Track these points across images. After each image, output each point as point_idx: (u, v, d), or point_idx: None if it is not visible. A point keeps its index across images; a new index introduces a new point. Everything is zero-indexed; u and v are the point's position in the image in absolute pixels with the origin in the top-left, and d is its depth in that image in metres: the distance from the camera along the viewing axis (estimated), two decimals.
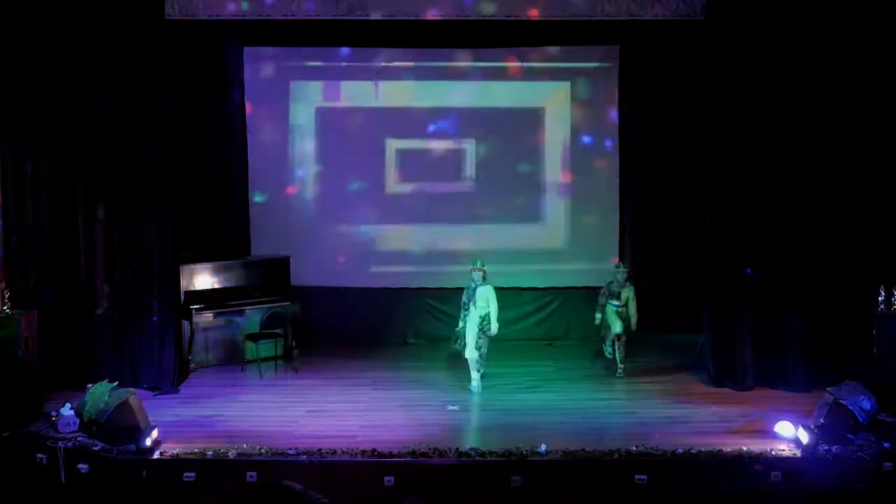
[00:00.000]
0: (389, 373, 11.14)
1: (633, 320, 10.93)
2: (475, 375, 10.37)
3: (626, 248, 12.69)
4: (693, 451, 8.28)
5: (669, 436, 8.70)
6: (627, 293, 10.98)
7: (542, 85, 12.62)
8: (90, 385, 9.09)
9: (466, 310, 10.45)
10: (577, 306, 12.63)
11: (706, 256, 10.46)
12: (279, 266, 12.07)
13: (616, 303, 10.99)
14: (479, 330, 10.27)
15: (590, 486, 8.02)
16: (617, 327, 10.89)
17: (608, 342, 11.20)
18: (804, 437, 8.32)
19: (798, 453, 8.27)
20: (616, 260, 11.68)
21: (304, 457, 8.21)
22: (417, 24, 11.08)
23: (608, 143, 12.65)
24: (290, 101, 12.60)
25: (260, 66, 12.52)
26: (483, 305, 10.29)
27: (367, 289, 12.16)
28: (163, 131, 10.25)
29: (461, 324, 10.54)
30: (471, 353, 10.33)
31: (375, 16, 10.78)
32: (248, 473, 8.09)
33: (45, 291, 10.14)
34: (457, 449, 8.30)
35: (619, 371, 10.93)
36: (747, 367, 10.28)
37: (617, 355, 10.97)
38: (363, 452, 8.26)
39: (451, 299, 11.54)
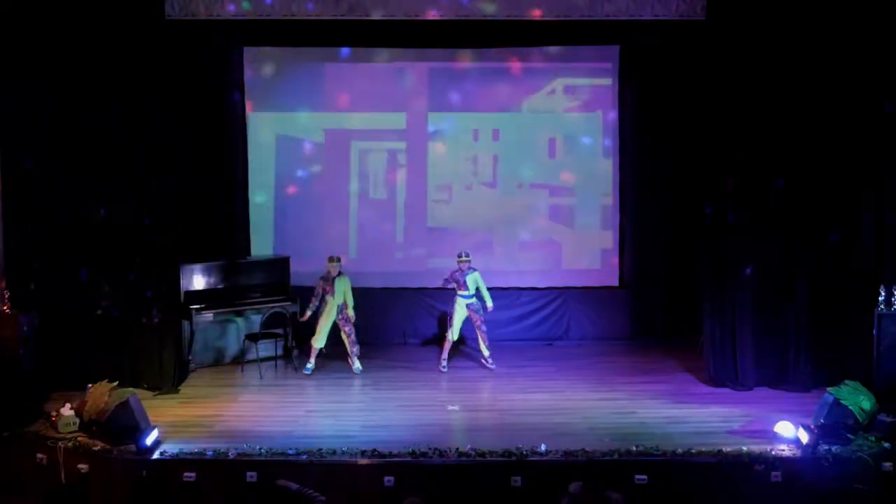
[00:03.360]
0: (389, 373, 11.14)
1: (490, 301, 11.07)
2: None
3: (626, 248, 12.70)
4: (693, 451, 8.28)
5: (669, 436, 8.71)
6: (473, 279, 11.05)
7: (541, 85, 12.61)
8: (90, 385, 9.10)
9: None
10: (577, 306, 12.66)
11: (706, 256, 10.45)
12: (279, 266, 12.08)
13: (464, 293, 11.05)
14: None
15: (590, 485, 8.02)
16: (455, 334, 11.14)
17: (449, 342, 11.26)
18: (804, 437, 8.31)
19: (798, 453, 8.26)
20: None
21: (304, 457, 8.21)
22: (417, 24, 11.09)
23: (607, 143, 12.66)
24: (290, 101, 12.61)
25: (260, 66, 12.53)
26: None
27: (368, 289, 12.14)
28: (163, 131, 10.25)
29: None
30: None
31: (375, 16, 10.78)
32: (248, 473, 8.09)
33: (45, 292, 10.13)
34: (457, 449, 8.31)
35: (489, 363, 11.17)
36: (747, 367, 10.28)
37: (482, 347, 11.18)
38: (363, 452, 8.25)
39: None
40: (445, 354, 11.23)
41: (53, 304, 10.10)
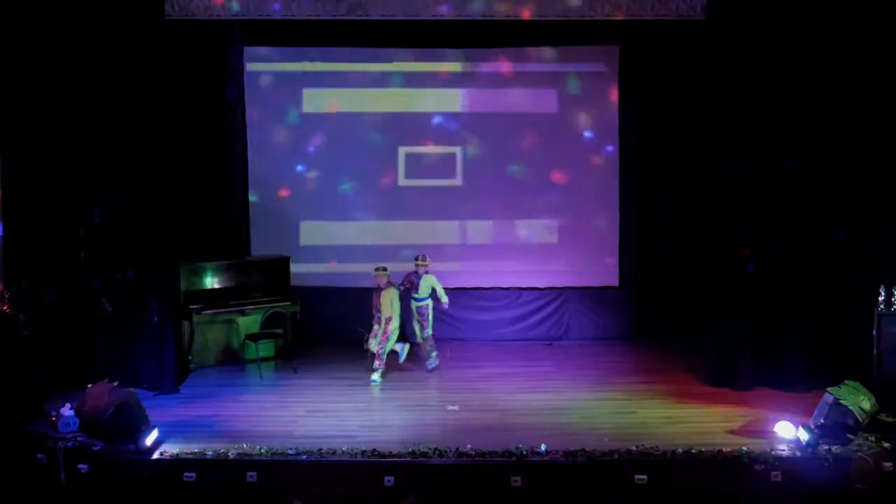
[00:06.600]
0: (389, 373, 11.14)
1: (444, 298, 11.05)
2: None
3: (626, 248, 12.70)
4: (693, 451, 8.29)
5: (669, 436, 8.71)
6: (428, 283, 11.02)
7: (541, 85, 12.61)
8: (90, 385, 9.10)
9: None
10: (577, 306, 12.66)
11: (705, 256, 10.46)
12: (279, 266, 12.08)
13: (416, 295, 11.04)
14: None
15: (590, 486, 8.02)
16: (418, 336, 11.07)
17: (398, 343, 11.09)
18: (804, 437, 8.32)
19: (798, 453, 8.27)
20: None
21: (304, 457, 8.21)
22: (417, 24, 11.10)
23: (607, 143, 12.66)
24: (289, 101, 12.61)
25: (260, 65, 12.53)
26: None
27: (367, 289, 12.14)
28: (162, 131, 10.26)
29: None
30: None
31: (375, 16, 10.80)
32: (248, 473, 8.09)
33: (45, 291, 10.14)
34: (457, 449, 8.31)
35: (433, 361, 11.11)
36: (747, 367, 10.28)
37: (430, 353, 11.10)
38: (363, 452, 8.26)
39: (451, 299, 11.53)
40: (425, 353, 11.17)
41: (53, 305, 10.11)
